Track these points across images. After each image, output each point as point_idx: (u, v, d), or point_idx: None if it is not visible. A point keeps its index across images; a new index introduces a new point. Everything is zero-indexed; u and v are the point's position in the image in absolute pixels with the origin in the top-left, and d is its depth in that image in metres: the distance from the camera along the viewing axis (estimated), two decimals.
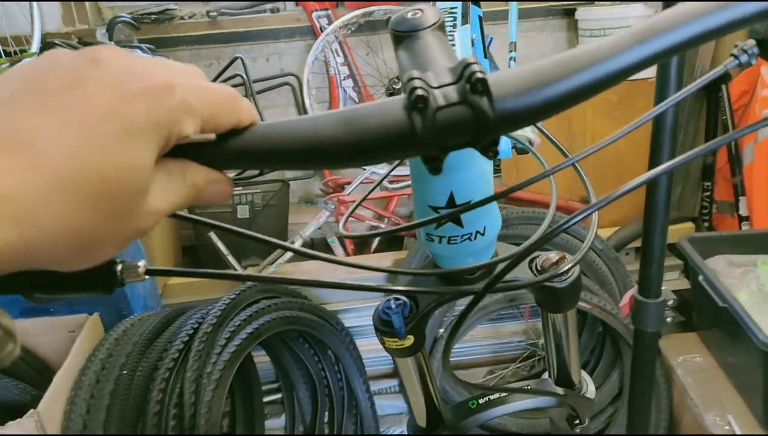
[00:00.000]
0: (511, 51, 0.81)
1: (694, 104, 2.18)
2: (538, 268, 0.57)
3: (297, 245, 1.97)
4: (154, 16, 2.17)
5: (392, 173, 2.08)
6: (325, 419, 1.91)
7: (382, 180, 0.71)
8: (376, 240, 2.25)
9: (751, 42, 0.39)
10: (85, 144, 0.26)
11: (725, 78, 2.01)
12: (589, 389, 0.72)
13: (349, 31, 2.24)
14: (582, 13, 2.21)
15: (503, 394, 0.70)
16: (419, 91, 0.31)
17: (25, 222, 0.24)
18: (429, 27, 0.41)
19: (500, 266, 0.48)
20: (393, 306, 0.56)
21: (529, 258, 0.57)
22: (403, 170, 2.10)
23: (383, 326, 0.57)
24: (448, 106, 0.31)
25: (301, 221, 2.22)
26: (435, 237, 0.51)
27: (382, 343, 0.59)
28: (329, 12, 2.24)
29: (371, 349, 2.04)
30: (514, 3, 0.75)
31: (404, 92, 0.32)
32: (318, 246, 2.41)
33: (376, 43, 2.36)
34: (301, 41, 2.34)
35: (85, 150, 0.26)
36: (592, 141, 1.95)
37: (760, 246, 1.75)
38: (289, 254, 1.95)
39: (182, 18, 2.25)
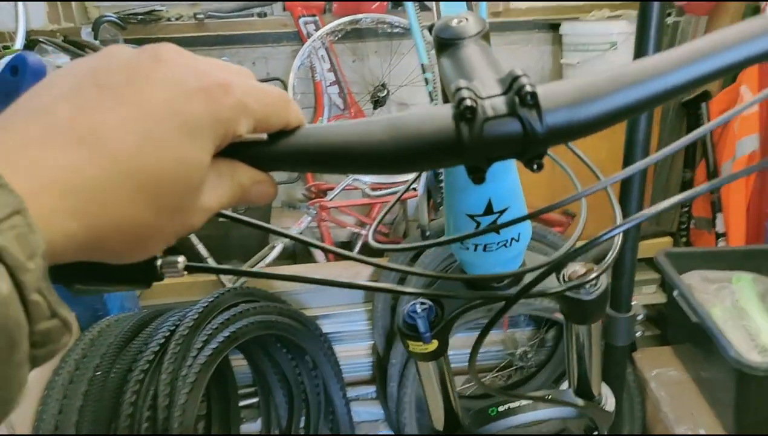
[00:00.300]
0: None
1: (674, 121, 2.21)
2: (566, 278, 0.56)
3: (278, 250, 1.97)
4: (140, 16, 2.17)
5: (373, 181, 2.09)
6: (301, 424, 1.90)
7: (409, 186, 0.70)
8: (357, 247, 2.25)
9: None
10: (148, 139, 0.26)
11: (705, 96, 2.04)
12: (609, 401, 0.71)
13: (336, 38, 2.25)
14: (566, 27, 2.24)
15: (524, 402, 0.69)
16: (468, 102, 0.31)
17: (89, 214, 0.25)
18: (473, 35, 0.41)
19: (530, 276, 0.49)
20: (419, 310, 0.56)
21: (564, 280, 0.56)
22: (386, 178, 2.11)
23: (408, 330, 0.57)
24: (496, 118, 0.31)
25: (283, 224, 2.22)
26: (470, 245, 0.51)
27: (406, 346, 0.59)
28: (317, 18, 2.25)
29: (349, 355, 2.04)
30: (483, 16, 0.77)
31: (452, 101, 0.32)
32: (300, 252, 2.41)
33: (362, 51, 2.37)
34: (288, 46, 2.35)
35: (148, 145, 0.26)
36: (591, 153, 1.96)
37: (735, 263, 1.77)
38: (271, 257, 1.95)
39: (169, 19, 2.24)
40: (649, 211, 0.40)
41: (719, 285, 1.72)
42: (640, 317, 0.94)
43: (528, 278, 0.52)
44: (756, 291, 1.69)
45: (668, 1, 2.10)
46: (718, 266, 1.77)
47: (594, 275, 0.53)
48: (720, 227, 2.02)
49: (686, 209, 2.19)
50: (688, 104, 2.13)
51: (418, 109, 0.33)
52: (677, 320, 1.70)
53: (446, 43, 0.41)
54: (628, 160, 0.88)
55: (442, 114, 0.32)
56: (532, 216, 0.45)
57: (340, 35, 2.22)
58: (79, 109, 0.26)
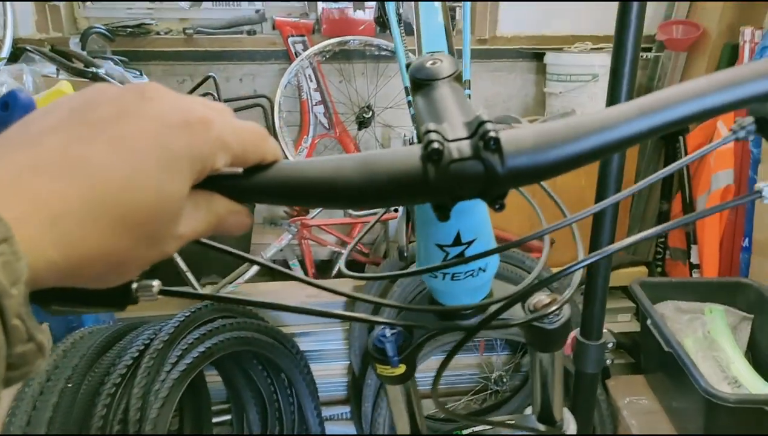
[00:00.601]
0: (465, 88, 0.84)
1: (652, 153, 2.26)
2: (531, 308, 0.58)
3: (257, 267, 1.97)
4: (129, 29, 2.18)
5: None
6: None
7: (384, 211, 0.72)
8: (336, 267, 2.25)
9: (750, 119, 0.41)
10: (130, 172, 0.28)
11: (683, 130, 2.09)
12: (571, 426, 0.73)
13: (324, 58, 2.28)
14: (550, 57, 2.28)
15: (488, 428, 0.71)
16: (435, 145, 0.33)
17: (71, 243, 0.26)
18: (446, 77, 0.43)
19: (495, 306, 0.51)
20: (388, 335, 0.58)
21: (530, 318, 0.59)
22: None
23: (377, 353, 0.58)
24: (461, 160, 0.33)
25: (263, 241, 2.22)
26: (439, 274, 0.53)
27: (374, 369, 0.61)
28: (305, 38, 2.28)
29: (326, 374, 2.04)
30: (467, 41, 0.78)
31: (422, 142, 0.33)
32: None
33: (349, 72, 2.40)
34: (276, 64, 2.37)
35: (131, 178, 0.27)
36: (553, 181, 1.99)
37: (708, 294, 1.80)
38: (250, 274, 1.95)
39: (158, 33, 2.25)
40: (613, 246, 0.42)
41: (692, 316, 1.75)
42: (610, 345, 0.96)
43: (493, 309, 0.53)
44: (727, 323, 1.72)
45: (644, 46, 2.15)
46: (692, 296, 1.80)
47: (555, 307, 0.55)
48: (695, 259, 2.06)
49: (662, 240, 2.23)
50: (666, 138, 2.17)
51: (390, 149, 0.35)
52: (650, 348, 1.72)
53: (420, 84, 0.43)
54: (600, 193, 0.90)
55: (411, 154, 0.34)
56: (498, 250, 0.47)
57: (327, 56, 2.25)
58: (67, 142, 0.27)
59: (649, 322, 1.64)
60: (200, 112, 0.31)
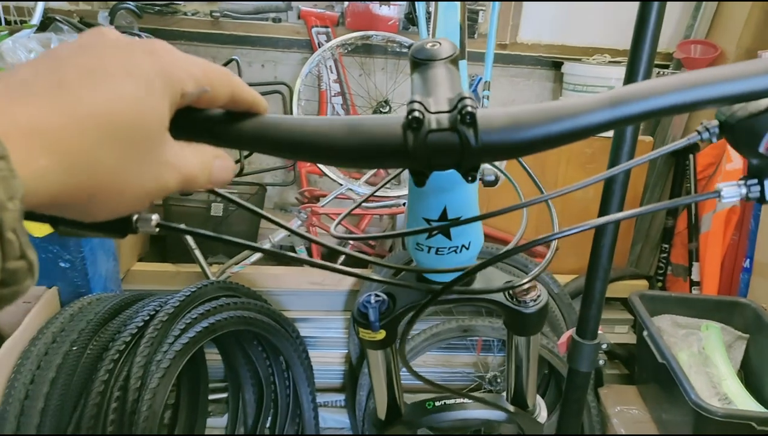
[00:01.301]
0: (484, 89, 0.87)
1: (662, 168, 2.28)
2: (511, 293, 0.62)
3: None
4: (158, 7, 2.21)
5: (366, 193, 2.13)
6: (267, 423, 1.92)
7: (374, 192, 0.75)
8: (342, 256, 2.29)
9: (715, 122, 0.43)
10: (110, 90, 0.30)
11: (694, 148, 2.10)
12: (542, 414, 0.76)
13: (346, 51, 2.31)
14: (568, 67, 2.31)
15: (458, 400, 0.74)
16: (416, 114, 0.36)
17: (62, 159, 0.28)
18: (443, 59, 0.46)
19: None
20: (372, 301, 0.62)
21: (503, 284, 0.62)
22: (378, 192, 2.15)
23: (360, 317, 0.62)
24: (438, 131, 0.36)
25: (272, 226, 2.26)
26: (425, 247, 0.57)
27: (357, 333, 0.64)
28: (329, 30, 2.31)
29: (323, 361, 2.07)
30: (491, 44, 0.82)
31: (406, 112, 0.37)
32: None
33: (369, 66, 2.43)
34: (298, 53, 2.40)
35: (111, 95, 0.30)
36: (570, 198, 2.02)
37: (705, 311, 1.82)
38: (255, 257, 1.98)
39: (185, 14, 2.29)
40: (578, 225, 0.44)
41: (688, 331, 1.78)
42: (604, 346, 0.98)
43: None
44: (723, 340, 1.74)
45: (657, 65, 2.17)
46: (690, 312, 1.82)
47: (523, 283, 0.59)
48: (696, 276, 2.07)
49: (665, 256, 2.25)
50: (676, 154, 2.19)
51: (378, 115, 0.38)
52: (644, 360, 1.74)
53: (418, 63, 0.46)
54: (604, 205, 0.92)
55: (395, 122, 0.37)
56: (473, 220, 0.50)
57: (350, 48, 2.28)
58: (48, 74, 0.30)
59: (645, 333, 1.67)
60: (160, 43, 0.35)
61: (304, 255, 2.22)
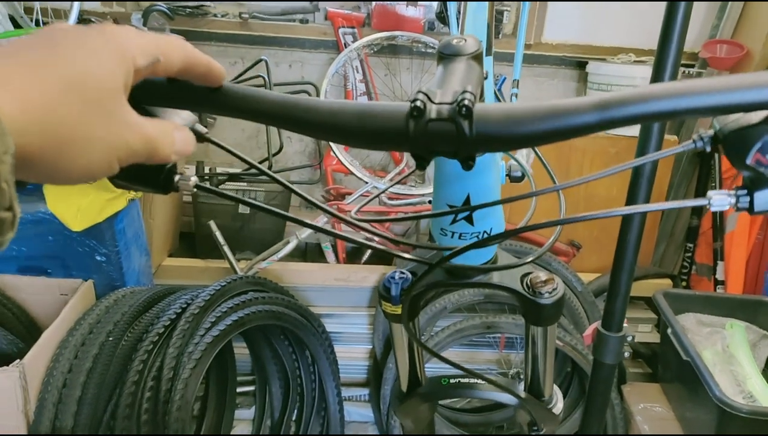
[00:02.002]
0: (513, 87, 0.90)
1: (687, 167, 2.28)
2: (529, 284, 0.65)
3: (291, 246, 2.04)
4: (189, 9, 2.27)
5: (391, 191, 2.16)
6: (294, 417, 1.96)
7: (404, 177, 0.78)
8: (367, 253, 2.32)
9: (710, 132, 0.44)
10: (68, 60, 0.35)
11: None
12: (558, 405, 0.79)
13: (372, 51, 2.34)
14: (592, 67, 2.32)
15: (472, 380, 0.77)
16: (418, 103, 0.40)
17: (22, 101, 0.31)
18: (466, 55, 0.49)
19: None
20: (396, 277, 0.67)
21: (521, 275, 0.66)
22: (402, 190, 2.19)
23: (384, 292, 0.67)
24: (438, 120, 0.40)
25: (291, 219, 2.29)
26: (448, 232, 0.60)
27: (381, 306, 0.69)
28: (355, 30, 2.35)
29: (349, 356, 2.10)
30: (521, 43, 0.84)
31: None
32: (311, 251, 2.48)
33: (395, 66, 2.46)
34: (325, 54, 2.45)
35: (69, 63, 0.34)
36: (585, 188, 2.04)
37: (730, 309, 1.82)
38: (284, 252, 2.02)
39: (215, 15, 2.34)
40: (604, 212, 0.46)
41: (712, 329, 1.78)
42: (629, 339, 1.00)
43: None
44: (747, 339, 1.74)
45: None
46: (714, 311, 1.83)
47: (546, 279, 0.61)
48: (720, 275, 2.07)
49: (689, 255, 2.25)
50: (702, 153, 2.19)
51: (386, 102, 0.42)
52: (668, 358, 1.75)
53: (443, 57, 0.49)
54: (630, 201, 0.94)
55: (399, 109, 0.41)
56: (500, 202, 0.53)
57: (375, 49, 2.32)
58: (14, 49, 0.34)
59: (669, 331, 1.67)
60: (111, 25, 0.38)
61: (329, 252, 2.26)
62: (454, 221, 0.59)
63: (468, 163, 0.41)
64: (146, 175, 0.43)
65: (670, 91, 0.38)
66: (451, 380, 0.79)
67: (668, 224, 2.34)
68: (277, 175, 0.54)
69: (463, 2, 0.83)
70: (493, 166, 0.56)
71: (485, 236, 0.59)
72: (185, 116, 0.45)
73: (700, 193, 2.21)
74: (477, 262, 0.63)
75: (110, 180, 0.42)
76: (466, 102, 0.39)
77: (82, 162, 0.35)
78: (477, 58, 0.49)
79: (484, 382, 0.77)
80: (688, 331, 1.74)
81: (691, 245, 2.25)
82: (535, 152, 0.64)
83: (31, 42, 0.35)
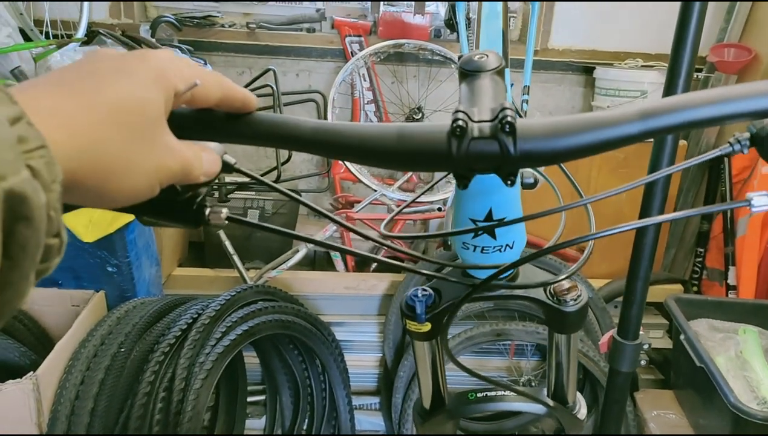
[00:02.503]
0: (524, 94, 0.89)
1: (696, 173, 2.27)
2: (552, 292, 0.65)
3: (300, 255, 2.04)
4: (196, 20, 2.28)
5: (399, 198, 2.16)
6: (304, 426, 1.95)
7: (427, 188, 0.78)
8: (373, 264, 2.32)
9: (746, 135, 0.45)
10: (113, 87, 0.36)
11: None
12: (581, 411, 0.79)
13: (379, 59, 2.35)
14: (600, 72, 2.31)
15: (500, 392, 0.77)
16: (460, 122, 0.39)
17: (70, 128, 0.32)
18: (489, 70, 0.49)
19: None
20: (419, 295, 0.66)
21: (543, 282, 0.65)
22: (410, 197, 2.18)
23: (408, 310, 0.67)
24: (480, 139, 0.40)
25: (307, 232, 2.30)
26: (470, 246, 0.60)
27: (404, 325, 0.69)
28: (362, 39, 2.35)
29: (359, 365, 2.10)
30: (530, 48, 0.85)
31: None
32: (320, 259, 2.48)
33: (402, 74, 2.47)
34: (332, 62, 2.45)
35: (113, 90, 0.35)
36: (594, 192, 2.02)
37: (743, 315, 1.81)
38: (293, 261, 2.02)
39: (222, 26, 2.35)
40: (621, 226, 0.46)
41: (725, 335, 1.77)
42: (645, 347, 1.00)
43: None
44: (760, 344, 1.73)
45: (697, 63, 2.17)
46: (726, 316, 1.82)
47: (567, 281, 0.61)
48: (732, 280, 2.06)
49: (700, 260, 2.24)
50: (710, 158, 2.18)
51: (424, 123, 0.42)
52: (681, 364, 1.74)
53: (467, 74, 0.49)
54: (645, 208, 0.94)
55: (441, 129, 0.40)
56: (522, 220, 0.53)
57: (382, 57, 2.32)
58: (63, 76, 0.35)
59: (682, 337, 1.66)
60: (152, 51, 0.40)
61: (338, 260, 2.26)
62: (476, 235, 0.58)
63: (511, 179, 0.41)
64: (176, 211, 0.43)
65: (712, 97, 0.39)
66: (478, 394, 0.78)
67: (678, 229, 2.33)
68: (290, 192, 0.53)
69: (477, 3, 0.83)
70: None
71: (507, 249, 0.59)
72: (213, 147, 0.45)
73: (710, 197, 2.20)
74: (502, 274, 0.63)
75: (138, 218, 0.42)
76: (509, 118, 0.39)
77: (127, 186, 0.36)
78: (500, 73, 0.49)
79: (511, 393, 0.77)
80: (700, 337, 1.73)
81: (701, 250, 2.24)
82: (561, 167, 0.64)
83: (76, 71, 0.36)
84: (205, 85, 0.41)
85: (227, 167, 0.45)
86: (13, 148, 0.26)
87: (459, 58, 0.53)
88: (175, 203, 0.41)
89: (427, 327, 0.67)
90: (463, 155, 0.39)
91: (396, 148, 0.40)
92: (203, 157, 0.42)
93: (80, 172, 0.33)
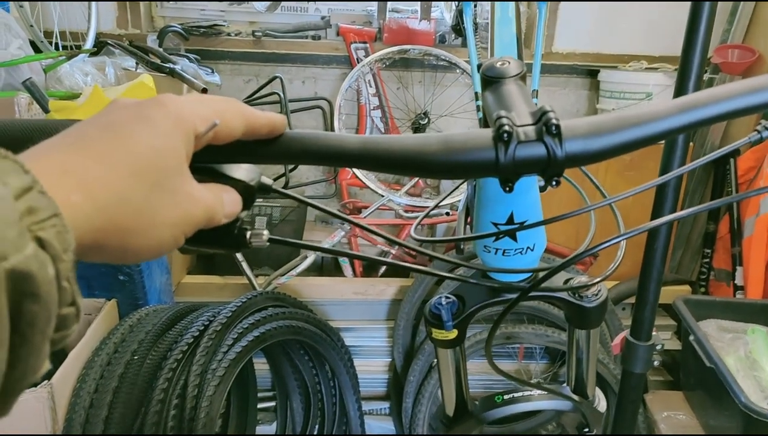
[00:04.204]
0: (533, 98, 0.90)
1: (702, 174, 2.28)
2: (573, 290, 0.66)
3: (308, 261, 2.05)
4: (203, 29, 2.30)
5: (407, 203, 2.17)
6: (315, 431, 1.96)
7: (451, 192, 0.79)
8: (382, 269, 2.33)
9: None
10: (131, 140, 0.35)
11: (734, 153, 2.10)
12: (601, 404, 0.80)
13: (384, 65, 2.36)
14: (605, 75, 2.33)
15: (526, 392, 0.78)
16: (506, 127, 0.40)
17: (88, 189, 0.31)
18: (512, 76, 0.50)
19: (543, 273, 0.57)
20: (443, 302, 0.66)
21: (564, 279, 0.66)
22: (418, 202, 2.20)
23: (432, 319, 0.67)
24: (526, 142, 0.40)
25: (315, 238, 2.31)
26: (492, 249, 0.61)
27: (429, 334, 0.69)
28: (367, 45, 2.37)
29: (368, 370, 2.11)
30: (539, 51, 0.86)
31: (492, 127, 0.40)
32: (327, 265, 2.49)
33: (407, 80, 2.48)
34: (337, 69, 2.47)
35: (131, 143, 0.35)
36: (601, 195, 2.03)
37: (751, 315, 1.82)
38: (302, 267, 2.03)
39: (228, 34, 2.37)
40: (640, 227, 0.47)
41: (734, 335, 1.77)
42: (658, 347, 1.01)
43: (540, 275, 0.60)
44: None
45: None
46: (735, 316, 1.82)
47: (590, 282, 0.62)
48: (739, 280, 2.07)
49: (707, 261, 2.24)
50: (716, 159, 2.19)
51: (465, 131, 0.42)
52: (690, 365, 1.74)
53: (490, 81, 0.50)
54: (657, 209, 0.95)
55: (485, 136, 0.41)
56: (544, 223, 0.54)
57: (387, 63, 2.34)
58: (76, 133, 0.34)
59: (691, 338, 1.67)
60: (167, 95, 0.39)
61: (347, 266, 2.26)
62: (497, 239, 0.59)
63: (556, 181, 0.41)
64: (216, 237, 0.42)
65: (751, 87, 0.40)
66: (505, 396, 0.79)
67: (685, 230, 2.34)
68: (309, 199, 0.54)
69: (482, 20, 0.84)
70: (536, 182, 0.57)
71: (529, 251, 0.60)
72: (249, 168, 0.44)
73: (716, 198, 2.21)
74: (521, 277, 0.64)
75: (179, 248, 0.41)
76: (553, 120, 0.39)
77: (152, 241, 0.35)
78: (523, 78, 0.50)
79: (538, 392, 0.78)
80: (710, 337, 1.73)
81: (708, 251, 2.24)
82: (582, 170, 0.65)
83: (92, 127, 0.35)
84: (226, 121, 0.40)
85: (266, 189, 0.45)
86: (17, 224, 0.25)
87: (479, 67, 0.53)
88: (215, 230, 0.41)
89: (453, 334, 0.67)
90: (510, 160, 0.39)
91: (442, 159, 0.40)
92: (224, 200, 0.41)
93: (101, 232, 0.32)
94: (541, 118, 0.40)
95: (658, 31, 2.36)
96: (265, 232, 0.45)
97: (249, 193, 0.43)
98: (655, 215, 0.94)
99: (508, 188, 0.42)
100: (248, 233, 0.44)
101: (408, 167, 0.42)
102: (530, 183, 0.55)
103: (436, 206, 0.88)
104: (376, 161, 0.42)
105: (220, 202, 0.40)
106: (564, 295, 0.67)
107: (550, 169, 0.40)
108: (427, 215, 0.73)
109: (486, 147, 0.40)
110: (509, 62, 0.51)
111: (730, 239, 2.13)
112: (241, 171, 0.44)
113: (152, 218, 0.35)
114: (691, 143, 2.17)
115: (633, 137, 0.40)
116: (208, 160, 0.41)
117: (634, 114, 0.41)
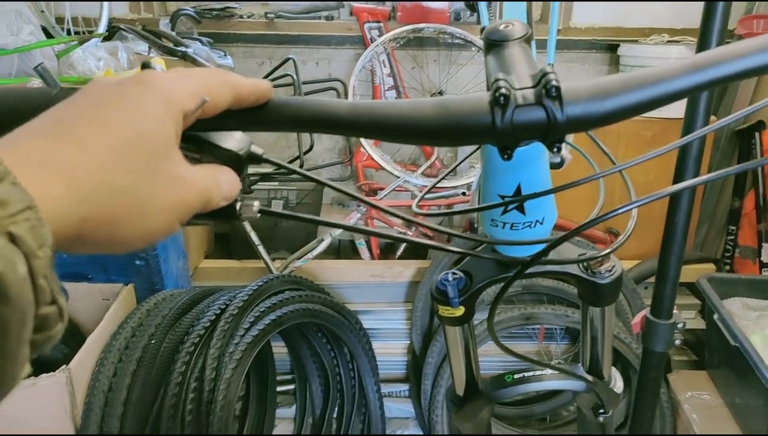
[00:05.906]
0: None
1: (726, 149, 2.22)
2: (586, 265, 0.64)
3: (325, 244, 2.04)
4: (215, 12, 2.28)
5: (422, 184, 2.15)
6: (335, 414, 1.96)
7: (455, 166, 0.77)
8: (401, 248, 2.31)
9: None
10: (113, 121, 0.33)
11: (760, 126, 2.04)
12: (618, 384, 0.77)
13: (398, 45, 2.33)
14: (624, 49, 2.27)
15: (538, 372, 0.76)
16: (503, 90, 0.37)
17: (69, 178, 0.29)
18: (517, 39, 0.47)
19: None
20: (450, 279, 0.64)
21: (577, 254, 0.63)
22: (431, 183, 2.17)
23: (439, 295, 0.65)
24: (525, 106, 0.38)
25: (331, 221, 2.29)
26: (499, 223, 0.58)
27: (436, 311, 0.67)
28: (381, 25, 2.33)
29: (387, 352, 2.10)
30: (553, 28, 0.83)
31: (490, 90, 0.38)
32: (344, 248, 2.48)
33: (422, 59, 2.44)
34: (351, 49, 2.44)
35: (114, 125, 0.32)
36: (620, 173, 1.99)
37: None
38: (318, 250, 2.02)
39: (241, 17, 2.36)
40: (655, 194, 0.44)
41: (760, 313, 1.73)
42: (680, 326, 0.98)
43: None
44: None
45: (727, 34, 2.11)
46: (760, 294, 1.78)
47: (604, 252, 0.59)
48: (765, 257, 2.02)
49: (732, 238, 2.19)
50: (741, 133, 2.13)
51: (461, 96, 0.39)
52: (715, 344, 1.71)
53: (493, 44, 0.48)
54: (678, 179, 0.92)
55: (481, 99, 0.38)
56: (549, 192, 0.51)
57: (402, 42, 2.30)
58: (52, 117, 0.32)
59: (716, 316, 1.63)
60: (150, 72, 0.36)
61: (363, 248, 2.25)
62: (505, 212, 0.57)
63: (557, 147, 0.39)
64: (209, 213, 0.40)
65: (762, 45, 0.37)
66: (515, 376, 0.77)
67: (709, 206, 2.29)
68: (322, 179, 0.52)
69: None
70: (544, 153, 0.54)
71: (538, 225, 0.58)
72: (239, 138, 0.42)
73: (741, 175, 2.15)
74: (531, 251, 0.61)
75: None
76: (553, 82, 0.37)
77: (142, 230, 0.34)
78: (527, 41, 0.47)
79: (549, 372, 0.76)
80: (734, 316, 1.69)
81: (733, 228, 2.19)
82: (590, 136, 0.62)
83: (71, 110, 0.33)
84: (213, 94, 0.38)
85: (255, 158, 0.43)
86: None
87: (481, 30, 0.51)
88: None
89: (460, 311, 0.65)
90: (507, 125, 0.37)
91: (437, 123, 0.38)
92: (221, 181, 0.39)
93: (86, 223, 0.30)
94: (540, 80, 0.38)
95: (681, 2, 2.29)
96: (256, 202, 0.43)
97: (237, 163, 0.41)
98: (676, 180, 0.91)
99: (506, 156, 0.40)
100: (238, 205, 0.42)
101: (401, 133, 0.40)
102: (537, 152, 0.52)
103: (441, 181, 0.85)
104: (367, 127, 0.40)
105: (216, 185, 0.38)
106: (576, 270, 0.64)
107: (551, 134, 0.38)
108: (430, 191, 0.71)
109: (482, 111, 0.38)
110: (513, 24, 0.48)
111: (755, 215, 2.08)
112: (231, 140, 0.41)
113: (142, 206, 0.33)
114: (714, 117, 2.12)
115: (640, 99, 0.37)
116: (193, 130, 0.39)
117: (641, 74, 0.38)
